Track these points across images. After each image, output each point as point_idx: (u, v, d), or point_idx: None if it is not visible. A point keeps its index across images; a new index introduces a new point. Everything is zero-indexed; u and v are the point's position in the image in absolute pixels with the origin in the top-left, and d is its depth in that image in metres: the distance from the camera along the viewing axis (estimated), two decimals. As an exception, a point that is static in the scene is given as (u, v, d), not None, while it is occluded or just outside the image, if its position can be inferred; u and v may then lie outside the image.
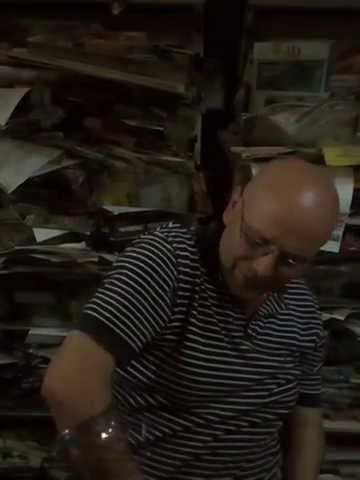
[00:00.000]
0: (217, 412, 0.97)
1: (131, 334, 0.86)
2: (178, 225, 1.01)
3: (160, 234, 0.97)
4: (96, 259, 1.48)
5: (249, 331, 1.00)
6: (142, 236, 1.00)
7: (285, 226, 0.84)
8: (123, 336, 0.85)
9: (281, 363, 1.03)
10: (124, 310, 0.86)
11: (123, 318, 0.86)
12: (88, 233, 1.49)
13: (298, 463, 1.13)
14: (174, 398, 0.96)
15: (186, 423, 0.97)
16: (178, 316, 0.94)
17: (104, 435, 0.78)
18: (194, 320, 0.95)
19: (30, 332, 1.70)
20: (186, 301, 0.95)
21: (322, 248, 1.35)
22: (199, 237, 1.01)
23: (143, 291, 0.89)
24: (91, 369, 0.83)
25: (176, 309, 0.94)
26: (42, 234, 1.47)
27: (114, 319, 0.85)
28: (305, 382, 1.13)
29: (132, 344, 0.86)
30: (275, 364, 1.02)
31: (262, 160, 1.33)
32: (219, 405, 0.97)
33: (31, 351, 1.72)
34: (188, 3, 1.40)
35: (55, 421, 0.82)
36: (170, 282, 0.92)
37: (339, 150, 1.35)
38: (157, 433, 0.98)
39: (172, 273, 0.93)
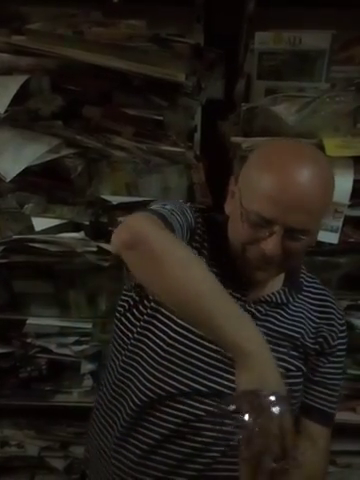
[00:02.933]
0: (199, 387, 0.98)
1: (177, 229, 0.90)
2: (190, 204, 1.06)
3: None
4: (95, 249, 1.48)
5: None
6: None
7: (283, 203, 0.85)
8: (173, 226, 0.88)
9: (282, 354, 1.02)
10: (169, 213, 0.90)
11: (170, 215, 0.90)
12: (87, 223, 1.48)
13: None
14: (162, 359, 0.98)
15: (171, 389, 0.98)
16: None
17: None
18: None
19: (28, 321, 1.70)
20: None
21: (321, 239, 1.37)
22: (209, 219, 1.05)
23: (175, 212, 0.94)
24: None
25: None
26: (41, 223, 1.47)
27: (164, 213, 0.90)
28: (307, 390, 1.09)
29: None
30: (273, 353, 1.02)
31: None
32: (201, 380, 0.98)
33: (29, 340, 1.73)
34: (189, -9, 1.39)
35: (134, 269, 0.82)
36: (192, 223, 0.98)
37: (339, 141, 1.35)
38: (144, 398, 1.00)
39: (191, 221, 0.98)
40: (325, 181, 0.89)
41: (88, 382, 1.80)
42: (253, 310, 1.01)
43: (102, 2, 1.35)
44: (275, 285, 1.05)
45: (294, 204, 0.85)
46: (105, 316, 1.70)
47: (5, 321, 1.73)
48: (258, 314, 1.02)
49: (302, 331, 1.05)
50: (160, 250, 0.78)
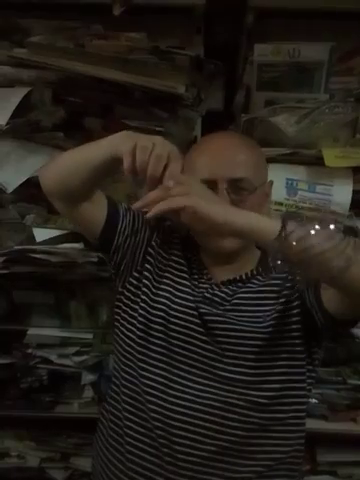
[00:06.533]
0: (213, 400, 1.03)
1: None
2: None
3: None
4: (95, 259, 1.48)
5: (208, 295, 1.09)
6: None
7: (215, 161, 1.03)
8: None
9: (265, 314, 1.05)
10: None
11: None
12: (88, 233, 1.48)
13: None
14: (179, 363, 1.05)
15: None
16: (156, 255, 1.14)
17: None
18: (171, 269, 1.13)
19: (29, 332, 1.71)
20: (165, 246, 1.16)
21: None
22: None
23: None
24: None
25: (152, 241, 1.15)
26: (41, 234, 1.47)
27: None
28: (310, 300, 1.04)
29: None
30: (254, 312, 1.06)
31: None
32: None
33: (30, 351, 1.73)
34: (189, 4, 1.39)
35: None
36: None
37: (338, 151, 1.36)
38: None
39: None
40: (247, 141, 1.11)
41: (89, 393, 1.79)
42: (217, 291, 1.09)
43: (103, 15, 1.36)
44: (246, 267, 1.13)
45: (224, 159, 1.03)
46: (106, 327, 1.70)
47: (6, 332, 1.73)
48: (225, 295, 1.09)
49: (280, 284, 1.07)
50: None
